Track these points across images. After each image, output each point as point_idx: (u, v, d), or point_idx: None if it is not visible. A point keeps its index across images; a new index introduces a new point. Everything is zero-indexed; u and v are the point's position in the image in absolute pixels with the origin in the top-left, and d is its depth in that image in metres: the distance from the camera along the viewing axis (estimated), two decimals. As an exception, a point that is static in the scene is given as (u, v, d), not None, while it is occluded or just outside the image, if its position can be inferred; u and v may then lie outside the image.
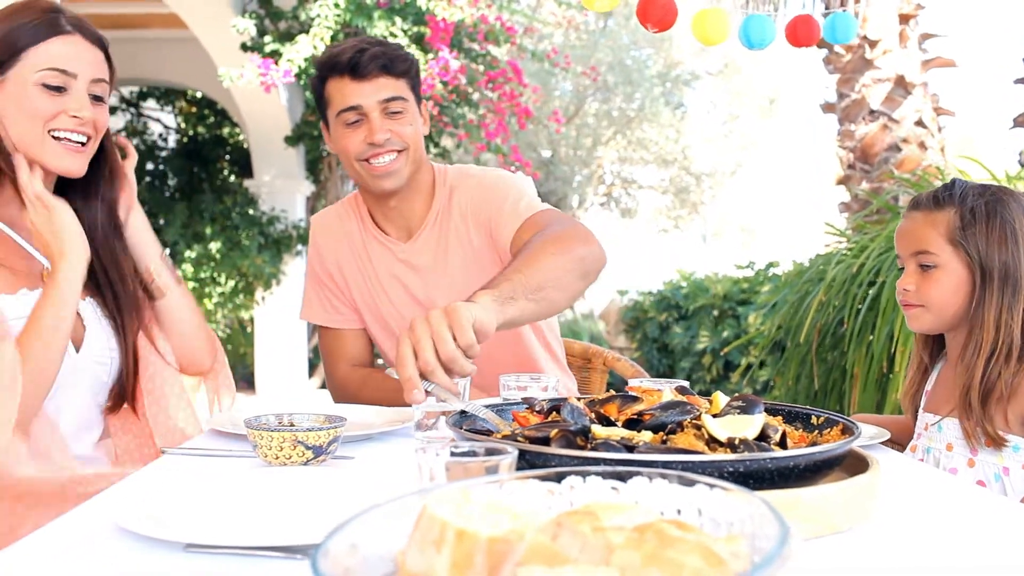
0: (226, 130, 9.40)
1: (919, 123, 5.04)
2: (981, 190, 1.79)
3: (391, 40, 6.69)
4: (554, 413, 1.26)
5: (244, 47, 6.59)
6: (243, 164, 9.15)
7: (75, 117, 1.62)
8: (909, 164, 4.92)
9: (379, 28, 6.17)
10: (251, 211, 8.42)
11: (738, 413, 1.20)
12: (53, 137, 1.62)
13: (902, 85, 5.03)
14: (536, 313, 1.61)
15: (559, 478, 0.88)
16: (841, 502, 1.05)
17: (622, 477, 0.87)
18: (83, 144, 1.65)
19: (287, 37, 6.50)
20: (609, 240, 18.12)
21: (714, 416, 1.19)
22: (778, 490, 1.03)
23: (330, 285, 2.20)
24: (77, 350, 1.68)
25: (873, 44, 5.06)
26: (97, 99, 1.67)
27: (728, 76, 14.11)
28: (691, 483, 0.84)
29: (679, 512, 0.84)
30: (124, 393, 1.76)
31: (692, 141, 14.07)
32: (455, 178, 2.15)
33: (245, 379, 9.21)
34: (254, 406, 1.92)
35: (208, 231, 8.04)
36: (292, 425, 1.38)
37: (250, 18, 6.56)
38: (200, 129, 9.45)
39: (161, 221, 8.17)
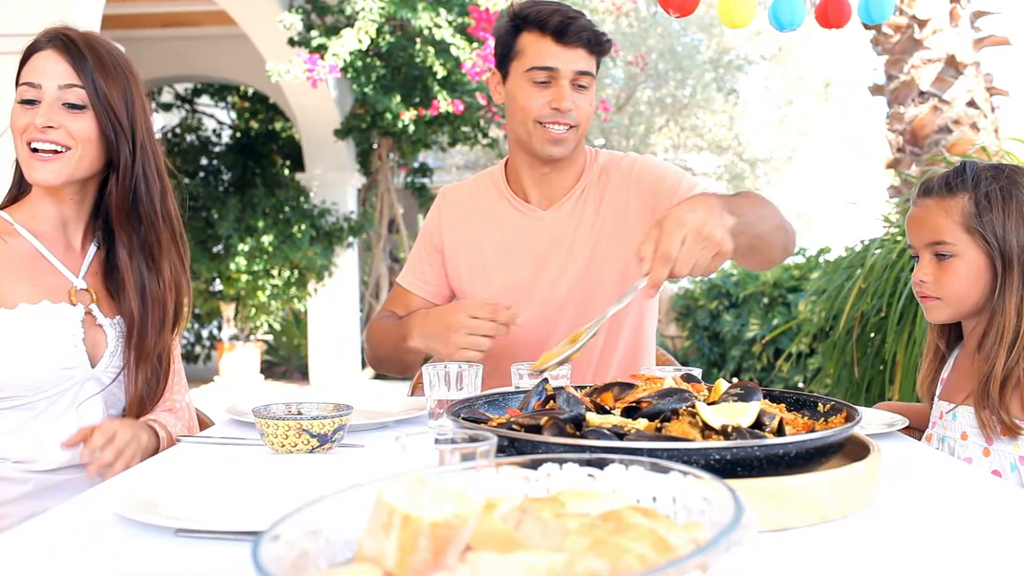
0: (278, 125, 9.53)
1: (971, 104, 4.91)
2: (994, 172, 1.73)
3: (436, 31, 6.77)
4: (552, 402, 1.26)
5: (291, 42, 6.67)
6: (295, 158, 9.27)
7: (41, 128, 1.63)
8: (961, 146, 4.80)
9: (423, 19, 6.20)
10: (303, 204, 8.53)
11: (735, 400, 1.19)
12: (31, 150, 1.64)
13: (953, 65, 4.91)
14: (743, 258, 1.75)
15: (536, 465, 0.89)
16: (832, 490, 1.04)
17: (599, 465, 0.87)
18: (56, 152, 1.64)
19: (333, 31, 6.56)
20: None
21: (711, 404, 1.19)
22: (767, 478, 1.02)
23: (431, 255, 2.25)
24: (93, 365, 1.71)
25: (922, 24, 4.94)
26: (73, 107, 1.66)
27: (781, 60, 13.88)
28: (666, 470, 0.84)
29: (654, 500, 0.84)
30: (142, 411, 1.78)
31: (746, 127, 13.89)
32: (609, 161, 2.19)
33: (299, 370, 9.35)
34: (306, 397, 1.94)
35: (260, 224, 8.16)
36: (300, 414, 1.41)
37: (296, 13, 6.64)
38: (253, 124, 9.60)
39: (215, 215, 8.32)
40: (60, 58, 1.65)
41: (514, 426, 1.16)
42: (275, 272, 8.31)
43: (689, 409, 1.14)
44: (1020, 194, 1.69)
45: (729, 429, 1.10)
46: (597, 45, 2.01)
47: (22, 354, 1.61)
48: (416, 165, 9.28)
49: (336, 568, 0.72)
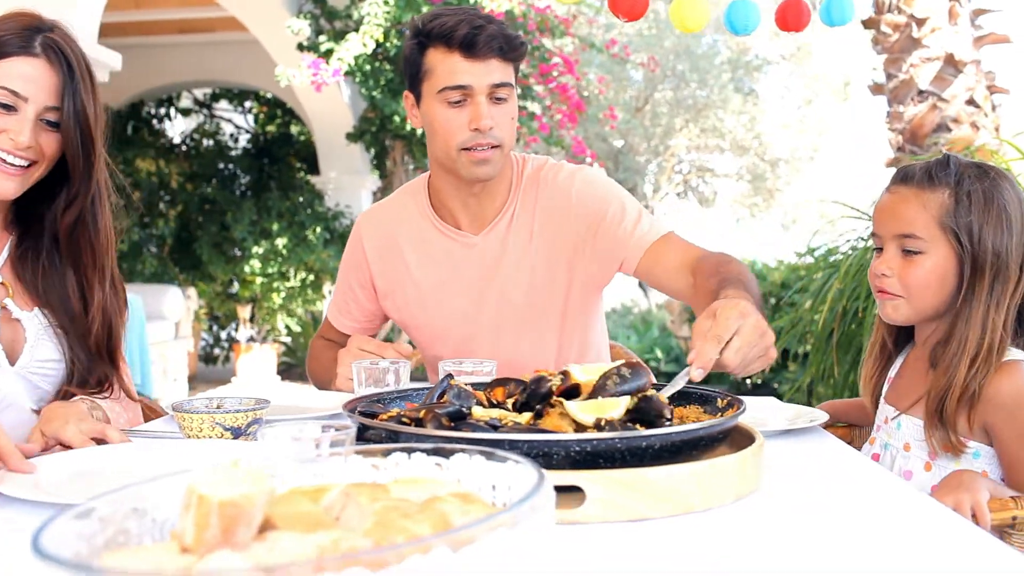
0: (295, 128, 9.63)
1: (971, 102, 4.88)
2: (979, 172, 1.64)
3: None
4: (444, 396, 1.30)
5: (300, 47, 6.75)
6: (311, 161, 9.37)
7: (13, 140, 1.58)
8: (960, 145, 4.76)
9: (429, 24, 6.26)
10: (317, 207, 8.62)
11: (618, 382, 1.20)
12: None
13: (952, 63, 4.88)
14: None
15: (386, 454, 0.93)
16: (696, 483, 1.06)
17: (446, 454, 0.91)
18: (24, 167, 1.61)
19: (342, 36, 6.64)
20: (689, 229, 17.94)
21: (589, 396, 1.21)
22: (631, 469, 1.05)
23: (359, 291, 2.17)
24: (12, 363, 1.66)
25: (921, 22, 4.91)
26: (51, 125, 1.63)
27: (800, 60, 13.82)
28: (503, 460, 0.88)
29: (494, 488, 0.88)
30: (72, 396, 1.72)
31: (766, 127, 13.83)
32: (537, 171, 2.07)
33: (316, 371, 9.42)
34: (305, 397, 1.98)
35: (275, 227, 8.26)
36: (219, 408, 1.46)
37: (305, 18, 6.72)
38: (270, 128, 9.71)
39: (230, 219, 8.43)
40: (51, 73, 1.60)
41: (403, 419, 1.21)
42: (290, 274, 8.40)
43: (560, 401, 1.18)
44: (1002, 198, 1.61)
45: (602, 422, 1.13)
46: (511, 51, 1.88)
47: None
48: (431, 167, 9.32)
49: (146, 545, 0.77)
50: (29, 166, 1.62)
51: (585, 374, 1.26)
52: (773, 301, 6.94)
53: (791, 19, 2.47)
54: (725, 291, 1.52)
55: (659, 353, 9.22)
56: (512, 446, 1.04)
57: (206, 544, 0.72)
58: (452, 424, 1.14)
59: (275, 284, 8.39)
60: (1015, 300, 1.60)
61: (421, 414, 1.16)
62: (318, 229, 8.35)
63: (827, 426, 2.00)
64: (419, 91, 1.94)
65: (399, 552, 0.64)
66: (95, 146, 1.68)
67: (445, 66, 1.87)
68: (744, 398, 1.86)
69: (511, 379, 1.32)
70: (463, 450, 0.90)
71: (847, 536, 0.99)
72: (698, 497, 1.07)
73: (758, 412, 1.78)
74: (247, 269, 8.30)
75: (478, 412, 1.19)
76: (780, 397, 4.64)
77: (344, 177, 8.79)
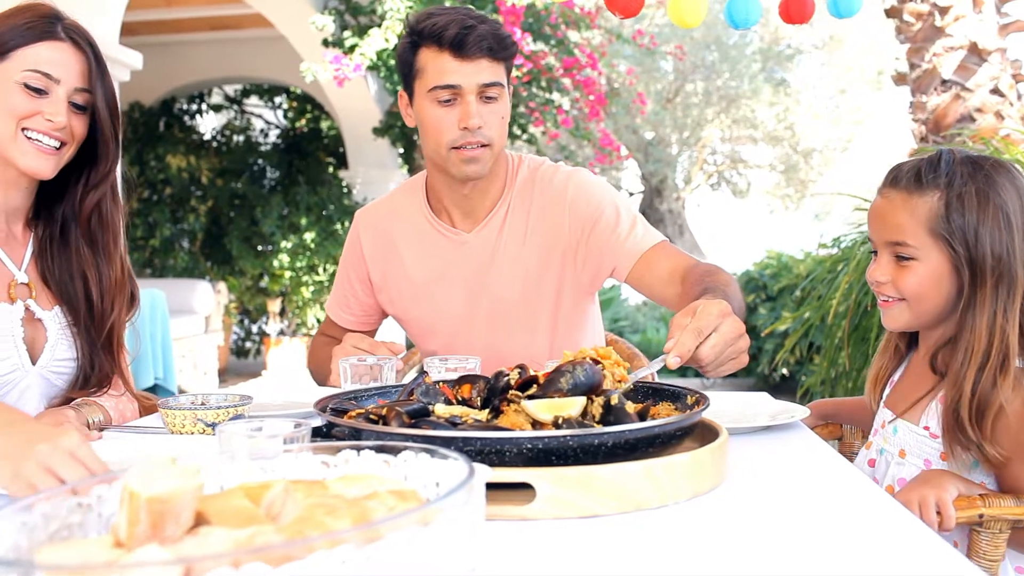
0: (325, 124, 9.71)
1: (995, 91, 4.81)
2: (971, 169, 1.54)
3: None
4: (411, 394, 1.32)
5: (325, 43, 6.81)
6: (339, 156, 9.44)
7: (50, 121, 1.65)
8: (984, 135, 4.71)
9: (452, 18, 6.27)
10: (345, 201, 8.69)
11: (571, 381, 1.21)
12: (26, 137, 1.65)
13: (976, 52, 4.82)
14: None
15: (337, 451, 0.95)
16: (648, 480, 1.07)
17: (393, 452, 0.93)
18: (56, 148, 1.68)
19: (366, 31, 6.68)
20: (722, 220, 17.83)
21: (541, 388, 1.23)
22: (581, 466, 1.07)
23: (357, 286, 2.21)
24: (34, 362, 1.71)
25: (944, 11, 4.86)
26: (79, 108, 1.70)
27: (833, 49, 13.66)
28: (444, 457, 0.90)
29: (437, 485, 0.90)
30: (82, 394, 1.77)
31: (799, 118, 13.70)
32: (534, 171, 2.09)
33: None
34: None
35: (303, 222, 8.34)
36: (203, 404, 1.49)
37: (329, 14, 6.77)
38: (300, 123, 9.79)
39: (259, 213, 8.52)
40: (78, 56, 1.69)
41: (371, 417, 1.23)
42: (319, 268, 8.48)
43: (516, 396, 1.19)
44: (998, 196, 1.52)
45: (560, 420, 1.14)
46: (502, 51, 1.90)
47: None
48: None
49: (83, 539, 0.81)
50: (60, 147, 1.69)
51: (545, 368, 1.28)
52: (798, 293, 6.89)
53: (794, 12, 2.46)
54: (707, 296, 1.54)
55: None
56: (466, 443, 1.06)
57: (136, 539, 0.74)
58: (412, 421, 1.16)
59: (304, 278, 8.47)
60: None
61: (384, 411, 1.19)
62: (346, 223, 8.41)
63: (821, 425, 2.01)
64: (412, 90, 1.98)
65: (308, 546, 0.67)
66: (120, 129, 1.78)
67: (435, 66, 1.90)
68: (737, 394, 1.89)
69: (480, 376, 1.34)
70: (408, 448, 0.92)
71: (800, 536, 0.99)
72: (652, 494, 1.08)
73: (746, 408, 1.79)
74: (276, 263, 8.40)
75: (440, 409, 1.21)
76: (808, 390, 4.62)
77: (372, 171, 8.85)
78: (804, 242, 8.77)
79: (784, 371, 7.11)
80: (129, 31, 8.40)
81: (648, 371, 1.39)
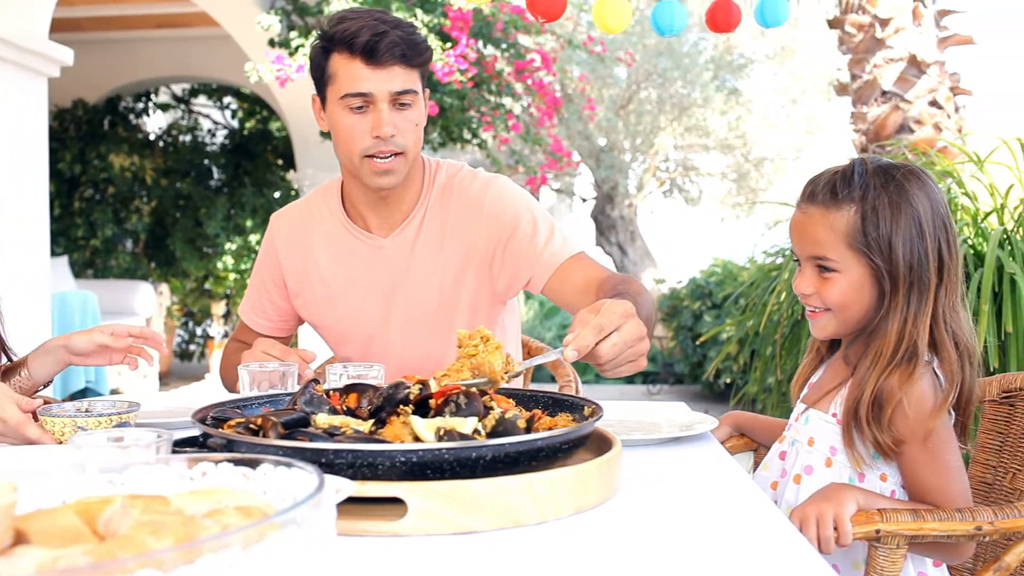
0: (274, 125, 9.60)
1: (933, 103, 4.87)
2: (884, 179, 1.56)
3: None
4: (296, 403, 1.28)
5: (272, 43, 6.72)
6: (288, 158, 9.34)
7: None
8: (922, 146, 4.76)
9: (399, 20, 6.23)
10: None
11: (455, 411, 1.17)
12: None
13: (915, 64, 4.87)
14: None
15: (194, 463, 0.91)
16: (528, 495, 1.04)
17: (252, 464, 0.89)
18: None
19: (312, 32, 6.61)
20: (673, 228, 17.92)
21: (439, 401, 1.19)
22: (455, 481, 1.03)
23: (272, 291, 2.17)
24: None
25: (884, 23, 4.90)
26: None
27: (784, 60, 13.80)
28: (301, 470, 0.86)
29: (295, 498, 0.86)
30: None
31: (751, 126, 13.80)
32: (451, 177, 2.06)
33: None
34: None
35: (248, 223, 8.24)
36: (87, 411, 1.44)
37: (276, 14, 6.69)
38: (249, 124, 9.67)
39: (204, 215, 8.40)
40: None
41: (251, 425, 1.19)
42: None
43: (404, 410, 1.16)
44: (911, 205, 1.54)
45: (441, 432, 1.11)
46: (416, 57, 1.87)
47: None
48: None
49: None
50: None
51: (451, 373, 1.25)
52: (741, 301, 6.93)
53: (720, 20, 2.45)
54: (617, 298, 1.51)
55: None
56: (336, 455, 1.02)
57: (-58, 560, 0.70)
58: (287, 432, 1.12)
59: (248, 280, 8.37)
60: (940, 303, 1.55)
61: (260, 422, 1.14)
62: (293, 226, 8.31)
63: (735, 436, 2.00)
64: (324, 95, 1.94)
65: (120, 568, 0.63)
66: None
67: (347, 72, 1.85)
68: (654, 404, 1.87)
69: (370, 385, 1.30)
70: (267, 460, 0.88)
71: (679, 553, 0.97)
72: (531, 509, 1.04)
73: (656, 417, 1.77)
74: (220, 265, 8.28)
75: (321, 419, 1.17)
76: (743, 398, 4.63)
77: (320, 174, 8.76)
78: (752, 249, 8.83)
79: (727, 379, 7.14)
80: (72, 26, 8.25)
81: (542, 360, 1.39)
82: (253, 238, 8.20)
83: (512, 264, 2.00)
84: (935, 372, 1.54)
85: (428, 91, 2.00)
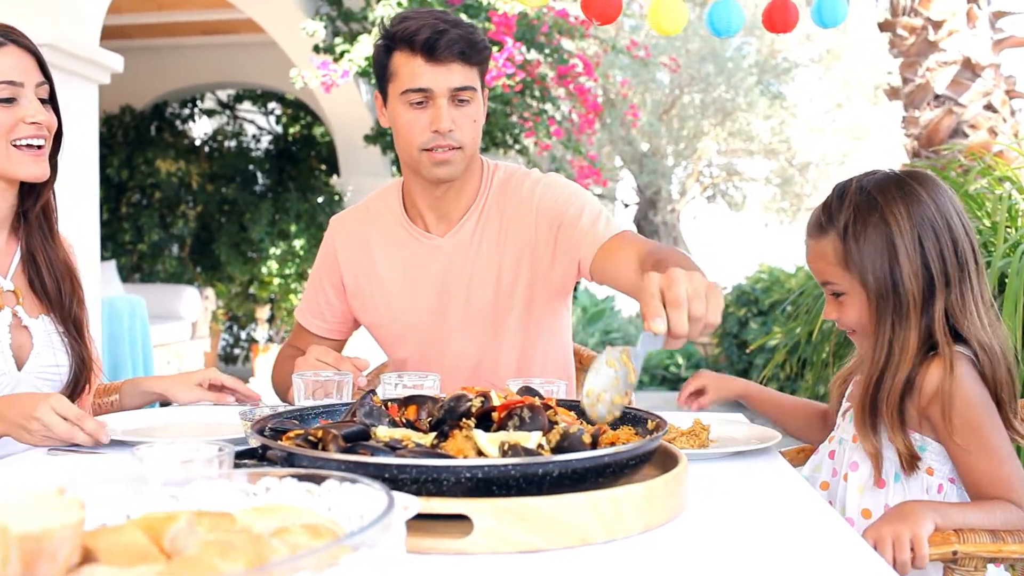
0: (317, 131, 9.65)
1: (988, 107, 4.76)
2: (859, 198, 1.62)
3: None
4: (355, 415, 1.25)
5: (316, 49, 6.75)
6: (332, 163, 9.38)
7: (33, 123, 1.71)
8: (977, 151, 4.66)
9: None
10: (336, 208, 8.63)
11: (519, 426, 1.14)
12: (15, 147, 1.70)
13: (969, 67, 4.77)
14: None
15: (258, 478, 0.89)
16: (593, 513, 1.01)
17: (317, 480, 0.87)
18: (41, 148, 1.74)
19: (357, 38, 6.63)
20: (716, 233, 17.78)
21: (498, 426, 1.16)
22: (522, 498, 1.00)
23: (331, 292, 2.18)
24: (20, 368, 1.74)
25: (937, 25, 4.81)
26: (43, 102, 1.75)
27: (829, 64, 13.63)
28: (368, 487, 0.83)
29: (362, 517, 0.83)
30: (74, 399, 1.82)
31: (795, 131, 13.66)
32: (508, 178, 2.09)
33: (334, 372, 9.44)
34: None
35: (293, 229, 8.28)
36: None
37: (320, 20, 6.72)
38: (293, 130, 9.73)
39: (249, 220, 8.46)
40: (26, 54, 1.73)
41: (311, 437, 1.17)
42: (307, 275, 8.42)
43: (467, 424, 1.13)
44: (879, 219, 1.59)
45: (505, 447, 1.08)
46: (475, 55, 1.91)
47: None
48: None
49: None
50: (43, 147, 1.76)
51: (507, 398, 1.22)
52: (788, 308, 6.84)
53: (777, 20, 2.41)
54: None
55: (680, 359, 9.12)
56: (401, 471, 0.99)
57: (9, 579, 0.68)
58: (348, 445, 1.10)
59: (292, 285, 8.40)
60: (935, 310, 1.58)
61: (320, 434, 1.12)
62: (336, 231, 8.34)
63: (792, 449, 1.96)
64: (386, 92, 1.99)
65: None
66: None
67: (407, 69, 1.90)
68: (712, 415, 1.82)
69: (429, 397, 1.28)
70: (332, 476, 0.86)
71: (757, 573, 0.93)
72: (598, 528, 1.01)
73: (719, 431, 1.73)
74: (265, 270, 8.33)
75: (382, 432, 1.14)
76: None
77: (364, 179, 8.79)
78: (799, 256, 8.72)
79: (775, 387, 7.05)
80: (120, 34, 8.36)
81: (645, 350, 1.22)
82: (297, 243, 8.24)
83: (564, 253, 2.01)
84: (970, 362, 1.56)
85: (487, 90, 2.03)
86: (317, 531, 0.78)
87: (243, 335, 9.57)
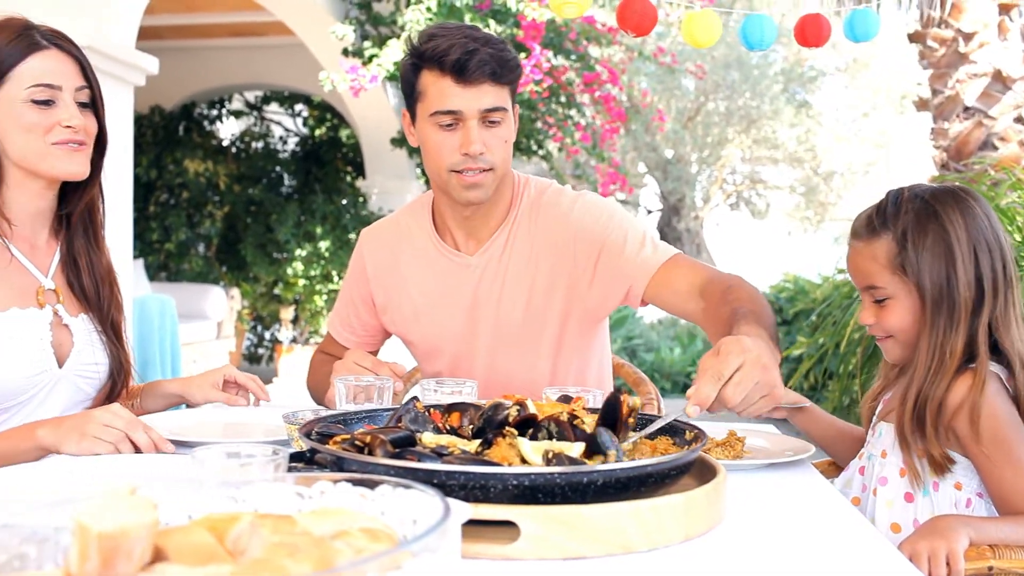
0: (344, 133, 9.71)
1: (1019, 120, 4.75)
2: (917, 205, 1.66)
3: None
4: (400, 420, 1.28)
5: (345, 52, 6.81)
6: (357, 165, 9.44)
7: (68, 127, 1.72)
8: (1007, 164, 4.65)
9: (472, 31, 6.25)
10: (361, 211, 8.68)
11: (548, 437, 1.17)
12: (53, 145, 1.72)
13: (1000, 80, 4.76)
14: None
15: (312, 482, 0.91)
16: (636, 521, 1.03)
17: (371, 485, 0.89)
18: (80, 147, 1.76)
19: (386, 42, 6.67)
20: (740, 241, 17.73)
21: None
22: (567, 505, 1.02)
23: (360, 307, 2.18)
24: (60, 365, 1.77)
25: (968, 37, 4.80)
26: (83, 106, 1.77)
27: (855, 72, 13.58)
28: (422, 493, 0.86)
29: (415, 522, 0.86)
30: (111, 400, 1.86)
31: (820, 140, 13.62)
32: (540, 194, 2.05)
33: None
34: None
35: (318, 230, 8.33)
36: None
37: (350, 24, 6.78)
38: (319, 132, 9.80)
39: (274, 221, 8.52)
40: (69, 58, 1.76)
41: (357, 442, 1.19)
42: (333, 277, 8.47)
43: (511, 432, 1.15)
44: (940, 227, 1.63)
45: (550, 455, 1.10)
46: (506, 74, 1.86)
47: None
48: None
49: (36, 572, 0.77)
50: (81, 146, 1.77)
51: (545, 407, 1.24)
52: (814, 318, 6.82)
53: (810, 34, 2.42)
54: (738, 326, 1.47)
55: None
56: (449, 477, 1.02)
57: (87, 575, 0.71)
58: (397, 451, 1.12)
59: (317, 286, 8.46)
60: (980, 321, 1.61)
61: (368, 439, 1.14)
62: (360, 233, 8.38)
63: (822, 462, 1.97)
64: (414, 111, 1.94)
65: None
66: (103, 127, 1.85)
67: (436, 89, 1.86)
68: (744, 425, 1.84)
69: (471, 404, 1.30)
70: (386, 481, 0.88)
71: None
72: (640, 536, 1.03)
73: (751, 442, 1.74)
74: (290, 271, 8.39)
75: (428, 439, 1.17)
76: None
77: (389, 182, 8.84)
78: (822, 265, 8.71)
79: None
80: (151, 35, 8.44)
81: (664, 423, 1.30)
82: (323, 245, 8.29)
83: (605, 278, 1.97)
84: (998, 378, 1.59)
85: (517, 107, 1.98)
86: (375, 535, 0.80)
87: (267, 335, 9.63)
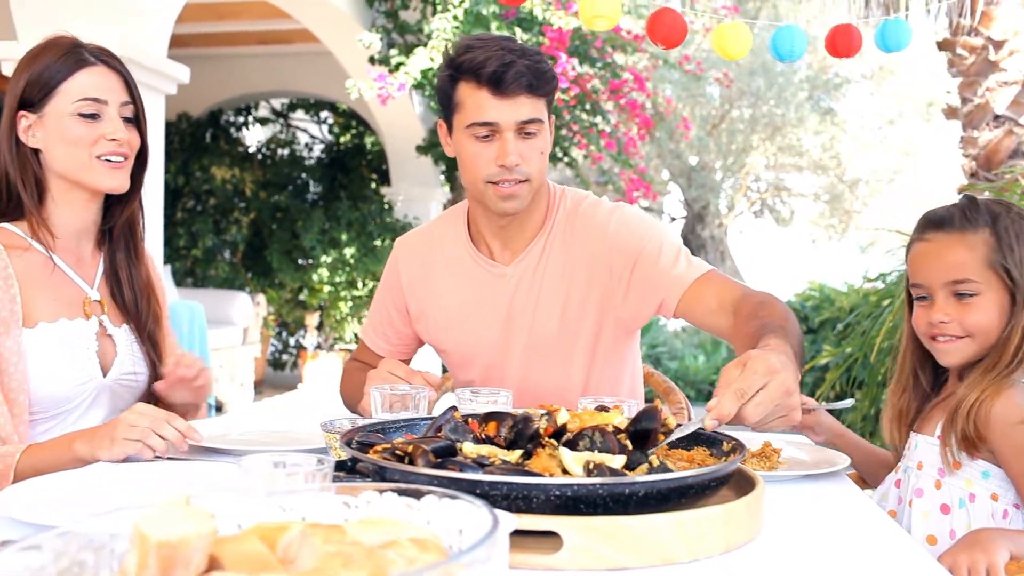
0: (369, 140, 9.77)
1: (1050, 129, 4.72)
2: (1006, 207, 1.66)
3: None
4: (439, 430, 1.29)
5: (372, 60, 6.85)
6: (382, 172, 9.48)
7: (113, 140, 1.79)
8: (1038, 173, 4.61)
9: (498, 39, 6.28)
10: (386, 218, 8.71)
11: (589, 447, 1.17)
12: (97, 159, 1.78)
13: (1031, 88, 4.73)
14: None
15: (358, 492, 0.92)
16: (678, 533, 1.03)
17: (417, 495, 0.90)
18: (121, 162, 1.82)
19: (413, 50, 6.71)
20: (764, 248, 17.67)
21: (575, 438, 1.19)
22: (609, 516, 1.03)
23: (394, 315, 2.19)
24: (105, 374, 1.83)
25: (998, 45, 4.77)
26: (127, 121, 1.83)
27: (880, 80, 13.51)
28: (469, 504, 0.86)
29: (461, 532, 0.86)
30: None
31: (845, 147, 13.56)
32: (576, 205, 2.06)
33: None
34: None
35: (344, 237, 8.38)
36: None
37: (376, 32, 6.82)
38: (344, 139, 9.85)
39: (300, 227, 8.57)
40: (115, 74, 1.83)
41: (398, 451, 1.20)
42: (358, 284, 8.51)
43: (551, 442, 1.16)
44: None
45: (591, 466, 1.10)
46: (543, 85, 1.87)
47: (41, 373, 1.72)
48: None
49: (93, 580, 0.78)
50: (123, 160, 1.83)
51: (574, 418, 1.25)
52: (840, 327, 6.78)
53: (840, 45, 2.42)
54: (766, 339, 1.47)
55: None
56: (492, 487, 1.03)
57: (145, 583, 0.72)
58: (438, 460, 1.13)
59: (342, 293, 8.49)
60: None
61: (409, 449, 1.16)
62: (386, 240, 8.43)
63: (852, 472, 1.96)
64: (451, 122, 1.96)
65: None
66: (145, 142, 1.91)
67: (473, 101, 1.87)
68: (779, 436, 1.84)
69: (507, 413, 1.31)
70: (432, 492, 0.89)
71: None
72: (681, 548, 1.04)
73: (786, 454, 1.74)
74: (315, 277, 8.43)
75: (468, 448, 1.18)
76: (848, 427, 4.53)
77: (414, 189, 8.87)
78: (847, 274, 8.66)
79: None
80: (179, 43, 8.52)
81: (683, 432, 1.31)
82: (348, 251, 8.33)
83: (639, 291, 1.97)
84: None
85: (553, 118, 2.00)
86: (424, 545, 0.81)
87: (292, 341, 9.69)
